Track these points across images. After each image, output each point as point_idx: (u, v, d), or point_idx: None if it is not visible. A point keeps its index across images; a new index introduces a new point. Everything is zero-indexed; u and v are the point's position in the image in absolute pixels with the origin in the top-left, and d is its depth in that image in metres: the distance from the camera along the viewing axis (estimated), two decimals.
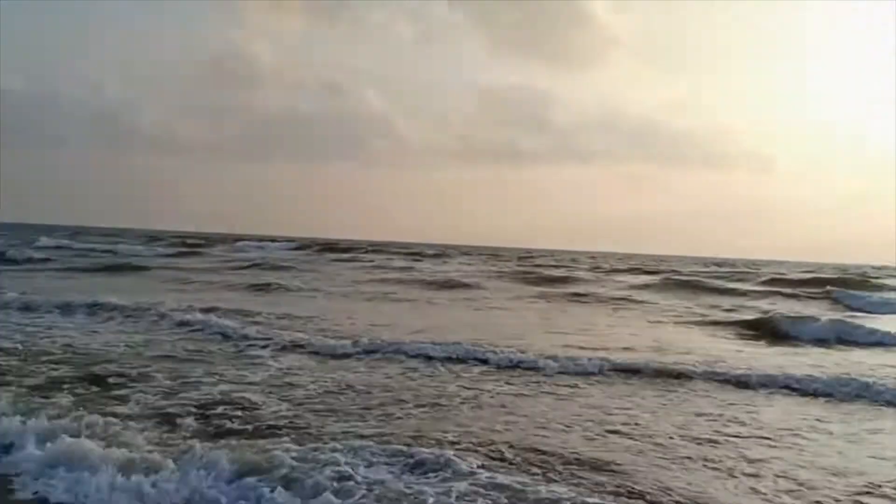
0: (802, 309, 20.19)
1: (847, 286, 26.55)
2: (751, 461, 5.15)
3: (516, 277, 29.46)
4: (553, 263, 48.31)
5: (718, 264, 69.32)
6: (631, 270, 41.27)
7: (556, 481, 4.46)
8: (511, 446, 5.21)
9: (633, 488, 4.43)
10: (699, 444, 5.57)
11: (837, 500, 4.44)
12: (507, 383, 7.79)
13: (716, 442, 5.64)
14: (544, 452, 5.11)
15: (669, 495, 4.35)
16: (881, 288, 29.10)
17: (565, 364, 8.63)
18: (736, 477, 4.80)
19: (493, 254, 69.90)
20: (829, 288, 24.89)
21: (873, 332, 12.91)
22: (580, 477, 4.60)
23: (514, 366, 8.69)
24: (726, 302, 21.22)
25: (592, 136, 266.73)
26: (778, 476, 4.84)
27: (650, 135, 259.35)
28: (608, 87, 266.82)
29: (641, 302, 19.76)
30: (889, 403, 7.33)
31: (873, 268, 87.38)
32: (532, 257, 64.74)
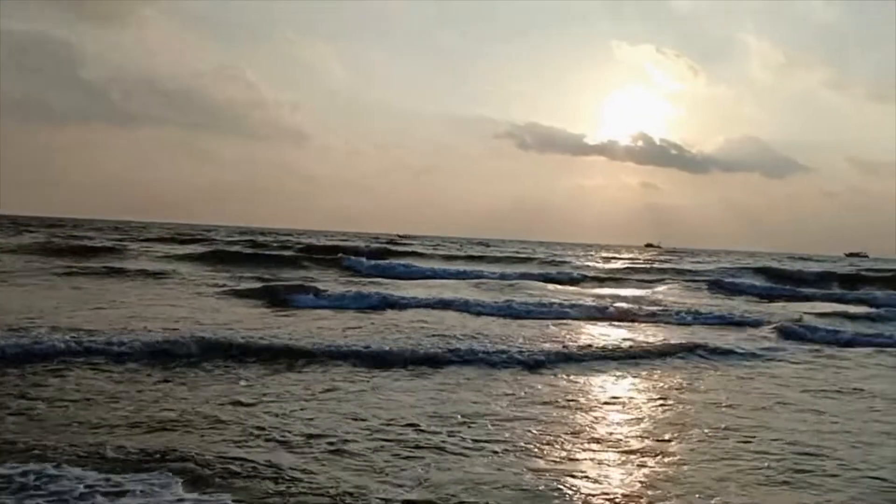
0: (318, 276, 23.00)
1: (357, 254, 31.17)
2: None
3: (37, 250, 26.05)
4: (86, 234, 43.99)
5: (263, 233, 72.63)
6: (169, 240, 40.56)
7: None
8: None
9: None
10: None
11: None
12: None
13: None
14: None
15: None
16: (397, 254, 35.57)
17: None
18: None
19: (15, 222, 60.04)
20: (340, 255, 28.85)
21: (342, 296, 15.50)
22: None
23: None
24: (249, 272, 22.66)
25: (130, 98, 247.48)
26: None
27: (192, 101, 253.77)
28: (144, 47, 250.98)
29: (163, 275, 19.69)
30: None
31: (399, 235, 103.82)
32: (62, 226, 57.64)
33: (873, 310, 17.67)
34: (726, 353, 10.86)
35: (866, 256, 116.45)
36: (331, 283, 19.73)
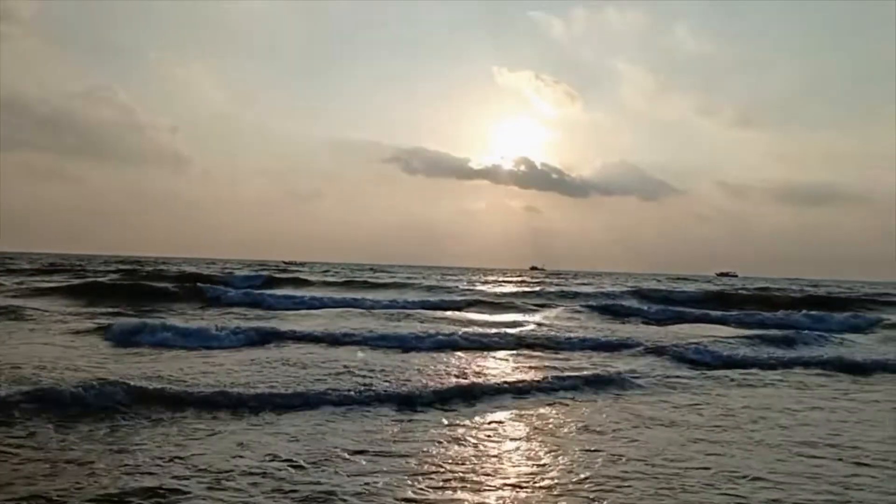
0: (183, 308, 20.73)
1: (229, 284, 28.93)
2: None
3: None
4: None
5: (141, 262, 67.75)
6: (34, 272, 36.46)
7: None
8: None
9: None
10: None
11: None
12: None
13: None
14: None
15: None
16: (281, 282, 33.52)
17: None
18: None
19: None
20: (198, 284, 26.75)
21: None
22: None
23: None
24: (107, 307, 20.06)
25: None
26: None
27: (61, 124, 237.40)
28: (7, 67, 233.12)
29: None
30: None
31: (286, 262, 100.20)
32: None
33: (766, 331, 17.68)
34: (621, 382, 10.02)
35: (736, 275, 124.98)
36: (195, 315, 17.63)
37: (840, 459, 6.18)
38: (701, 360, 12.74)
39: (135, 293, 24.90)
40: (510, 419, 7.54)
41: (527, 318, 21.73)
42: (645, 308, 25.95)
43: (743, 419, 7.81)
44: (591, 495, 4.97)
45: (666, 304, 28.23)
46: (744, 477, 5.52)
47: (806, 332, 17.56)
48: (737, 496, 5.05)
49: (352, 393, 8.22)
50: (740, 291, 37.95)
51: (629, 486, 5.19)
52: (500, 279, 66.38)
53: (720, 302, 30.93)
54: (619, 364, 11.95)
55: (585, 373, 10.55)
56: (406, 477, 5.25)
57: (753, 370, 11.95)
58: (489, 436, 6.73)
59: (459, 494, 4.93)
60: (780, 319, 22.92)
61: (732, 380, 10.81)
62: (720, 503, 4.92)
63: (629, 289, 39.83)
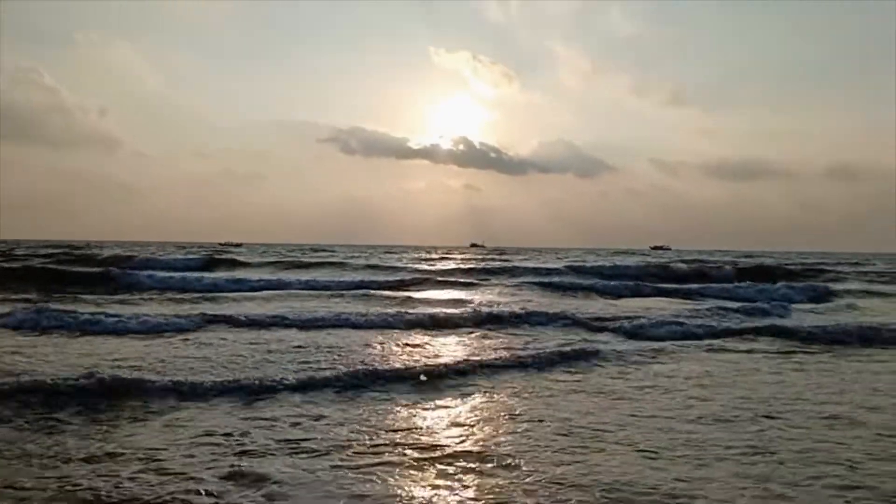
0: (100, 294, 19.42)
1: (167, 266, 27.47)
2: None
3: None
4: None
5: (73, 247, 64.42)
6: None
7: None
8: None
9: None
10: None
11: None
12: None
13: None
14: None
15: None
16: (220, 263, 31.99)
17: None
18: None
19: None
20: (110, 268, 25.46)
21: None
22: None
23: None
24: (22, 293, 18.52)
25: None
26: None
27: None
28: None
29: None
30: None
31: (221, 244, 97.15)
32: None
33: (719, 302, 17.60)
34: (577, 357, 9.59)
35: (669, 249, 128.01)
36: (108, 301, 16.40)
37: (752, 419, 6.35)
38: (643, 333, 12.49)
39: (53, 278, 23.28)
40: (455, 402, 6.96)
41: (476, 296, 21.17)
42: (587, 283, 25.82)
43: (671, 389, 7.47)
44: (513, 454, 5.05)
45: (617, 278, 28.13)
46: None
47: (758, 303, 17.62)
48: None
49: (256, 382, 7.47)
50: (679, 264, 38.39)
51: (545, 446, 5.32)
52: (444, 256, 65.73)
53: (672, 278, 30.98)
54: (559, 338, 11.55)
55: (528, 351, 10.07)
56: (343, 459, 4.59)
57: (704, 341, 11.75)
58: (430, 414, 6.14)
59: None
60: (734, 292, 23.14)
61: (671, 353, 10.55)
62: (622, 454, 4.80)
63: (569, 264, 39.89)
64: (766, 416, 6.46)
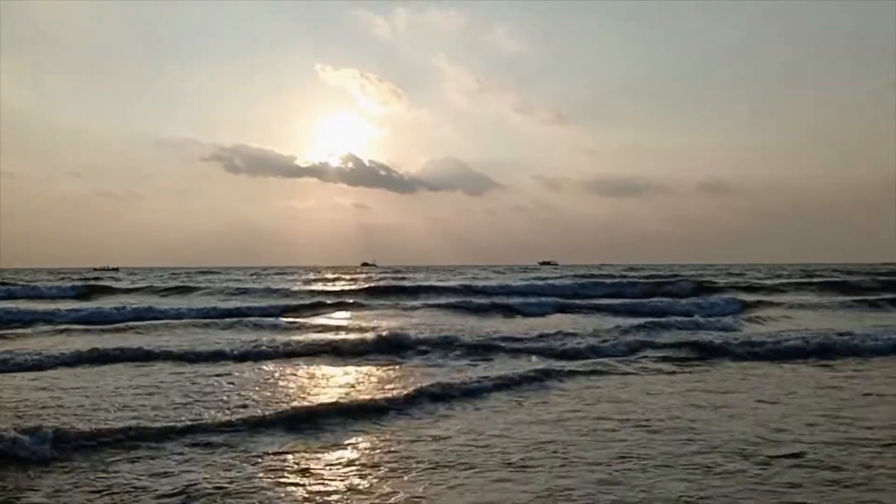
0: None
1: None
2: None
3: None
4: None
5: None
6: None
7: None
8: None
9: None
10: None
11: None
12: None
13: None
14: None
15: None
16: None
17: None
18: None
19: None
20: None
21: None
22: None
23: None
24: None
25: None
26: None
27: None
28: None
29: None
30: None
31: (95, 269, 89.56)
32: None
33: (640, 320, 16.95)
34: (482, 390, 8.45)
35: (556, 264, 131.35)
36: None
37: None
38: (564, 353, 11.61)
39: None
40: (364, 448, 5.58)
41: (376, 321, 19.57)
42: (488, 302, 24.87)
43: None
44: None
45: (529, 296, 27.42)
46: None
47: (676, 318, 17.19)
48: None
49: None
50: (604, 280, 37.45)
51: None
52: (337, 276, 63.10)
53: (569, 294, 30.53)
54: (492, 367, 10.42)
55: (427, 382, 8.82)
56: None
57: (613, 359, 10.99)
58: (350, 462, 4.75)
59: None
60: (657, 306, 22.84)
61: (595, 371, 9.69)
62: None
63: (464, 283, 38.60)
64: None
